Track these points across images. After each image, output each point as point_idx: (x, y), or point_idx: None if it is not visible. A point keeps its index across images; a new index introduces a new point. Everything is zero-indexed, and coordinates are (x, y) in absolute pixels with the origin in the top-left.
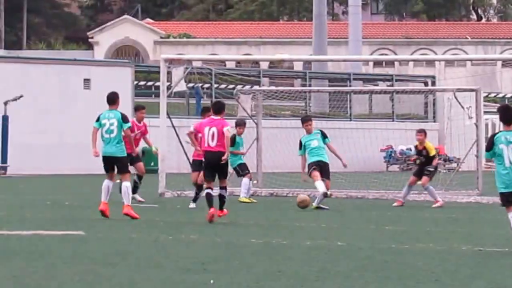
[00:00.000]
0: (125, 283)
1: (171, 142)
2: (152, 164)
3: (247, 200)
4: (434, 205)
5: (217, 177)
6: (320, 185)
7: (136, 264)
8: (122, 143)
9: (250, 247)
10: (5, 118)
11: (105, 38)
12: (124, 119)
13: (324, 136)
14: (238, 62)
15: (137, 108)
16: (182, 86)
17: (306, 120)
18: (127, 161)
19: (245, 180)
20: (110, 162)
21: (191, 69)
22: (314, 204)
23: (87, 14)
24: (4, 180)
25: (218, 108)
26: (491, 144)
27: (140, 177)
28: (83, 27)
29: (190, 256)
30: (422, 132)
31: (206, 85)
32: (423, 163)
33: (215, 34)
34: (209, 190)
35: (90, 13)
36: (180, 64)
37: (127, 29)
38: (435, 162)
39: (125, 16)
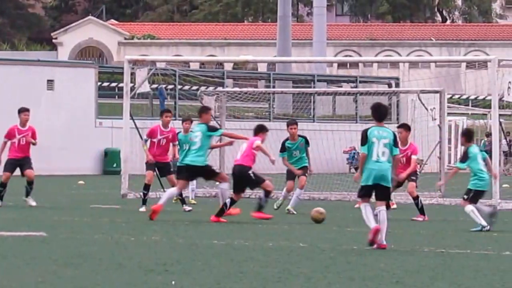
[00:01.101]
0: (87, 284)
1: (134, 144)
2: (115, 165)
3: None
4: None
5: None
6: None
7: (98, 265)
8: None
9: (212, 248)
10: None
11: (69, 39)
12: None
13: (307, 143)
14: (202, 63)
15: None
16: (145, 87)
17: (291, 123)
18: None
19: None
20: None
21: (155, 70)
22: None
23: (51, 15)
24: None
25: (254, 130)
26: (366, 138)
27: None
28: (47, 28)
29: (152, 257)
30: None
31: (170, 86)
32: None
33: (179, 35)
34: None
35: (54, 14)
36: (144, 65)
37: (91, 30)
38: None
39: (89, 17)
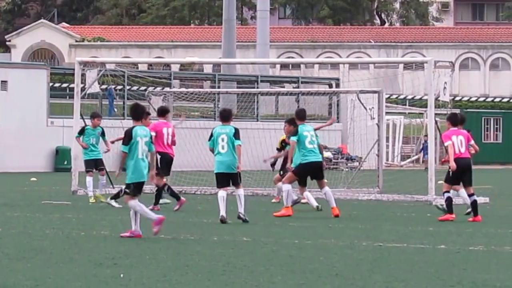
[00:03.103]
0: (39, 277)
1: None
2: (66, 163)
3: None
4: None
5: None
6: None
7: (50, 259)
8: None
9: (159, 243)
10: None
11: (22, 42)
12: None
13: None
14: (150, 65)
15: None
16: (95, 88)
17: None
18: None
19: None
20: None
21: (104, 71)
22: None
23: (5, 18)
24: None
25: (462, 120)
26: (130, 138)
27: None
28: (0, 31)
29: (102, 251)
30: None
31: (119, 87)
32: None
33: (128, 38)
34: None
35: (8, 17)
36: (94, 66)
37: (43, 33)
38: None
39: (42, 20)
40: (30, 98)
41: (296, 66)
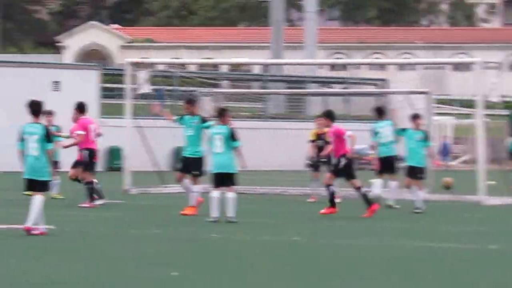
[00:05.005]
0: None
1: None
2: (117, 162)
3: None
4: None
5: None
6: None
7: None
8: None
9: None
10: None
11: (73, 43)
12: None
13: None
14: (200, 66)
15: None
16: (146, 88)
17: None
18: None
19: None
20: None
21: (155, 72)
22: None
23: (56, 20)
24: None
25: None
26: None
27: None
28: (52, 32)
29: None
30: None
31: (169, 88)
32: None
33: (177, 39)
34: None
35: (59, 19)
36: (145, 67)
37: (93, 34)
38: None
39: (92, 21)
40: (82, 98)
41: (344, 66)
